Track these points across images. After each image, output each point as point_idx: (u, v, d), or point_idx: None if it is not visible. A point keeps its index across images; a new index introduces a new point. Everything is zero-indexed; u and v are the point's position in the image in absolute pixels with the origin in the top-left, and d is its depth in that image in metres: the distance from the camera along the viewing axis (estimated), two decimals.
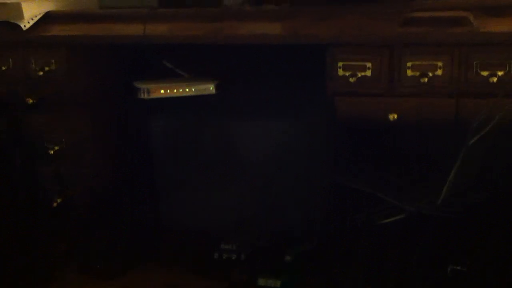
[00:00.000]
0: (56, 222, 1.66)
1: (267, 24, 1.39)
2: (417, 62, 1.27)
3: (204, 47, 1.49)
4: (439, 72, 1.26)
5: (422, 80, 1.26)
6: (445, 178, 1.30)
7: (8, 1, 1.53)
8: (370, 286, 1.38)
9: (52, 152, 1.59)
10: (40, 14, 1.52)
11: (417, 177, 1.40)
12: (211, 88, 1.45)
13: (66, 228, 1.65)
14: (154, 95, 1.44)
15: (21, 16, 1.50)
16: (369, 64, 1.29)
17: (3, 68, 1.56)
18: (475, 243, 1.32)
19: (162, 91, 1.44)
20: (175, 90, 1.43)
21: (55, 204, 1.62)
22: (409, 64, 1.27)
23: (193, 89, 1.44)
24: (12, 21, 1.51)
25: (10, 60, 1.57)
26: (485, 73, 1.22)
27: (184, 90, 1.44)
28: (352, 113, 1.34)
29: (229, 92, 1.50)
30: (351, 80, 1.30)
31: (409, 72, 1.27)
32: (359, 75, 1.30)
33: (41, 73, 1.53)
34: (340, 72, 1.31)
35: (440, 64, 1.25)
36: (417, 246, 1.38)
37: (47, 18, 1.54)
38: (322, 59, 1.33)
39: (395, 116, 1.30)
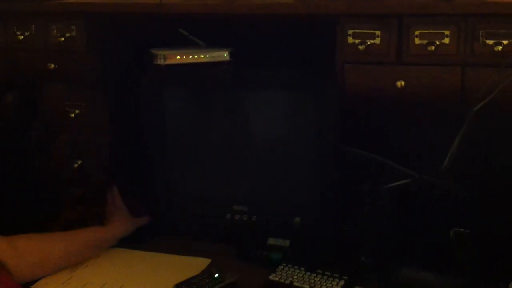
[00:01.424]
0: (73, 189, 1.75)
1: None
2: (424, 31, 1.30)
3: (217, 17, 1.53)
4: (446, 40, 1.29)
5: (429, 49, 1.29)
6: (449, 145, 1.35)
7: None
8: (374, 249, 1.44)
9: (72, 115, 1.66)
10: None
11: (422, 145, 1.45)
12: (225, 55, 1.50)
13: (83, 194, 1.73)
14: (170, 61, 1.48)
15: None
16: (378, 32, 1.33)
17: (26, 34, 1.62)
18: (477, 208, 1.37)
19: (178, 57, 1.48)
20: (191, 57, 1.48)
21: (75, 166, 1.70)
22: (417, 32, 1.30)
23: (208, 56, 1.49)
24: None
25: (32, 27, 1.62)
26: (490, 42, 1.25)
27: (199, 57, 1.49)
28: (361, 81, 1.37)
29: (240, 63, 1.54)
30: (361, 47, 1.33)
31: (417, 41, 1.31)
32: (368, 42, 1.33)
33: (62, 39, 1.58)
34: (350, 40, 1.35)
35: (447, 33, 1.28)
36: (420, 211, 1.43)
37: None
38: (332, 33, 1.37)
39: (403, 83, 1.33)
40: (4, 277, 1.09)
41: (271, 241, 1.52)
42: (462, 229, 1.35)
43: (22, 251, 1.36)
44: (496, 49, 1.25)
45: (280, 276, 1.39)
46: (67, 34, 1.59)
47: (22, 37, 1.63)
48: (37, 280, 1.40)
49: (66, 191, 1.73)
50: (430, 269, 1.33)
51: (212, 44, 1.57)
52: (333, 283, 1.35)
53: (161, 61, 1.49)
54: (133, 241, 1.60)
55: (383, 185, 1.46)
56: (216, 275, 1.38)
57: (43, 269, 1.42)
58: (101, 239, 1.55)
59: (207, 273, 1.41)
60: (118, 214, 1.62)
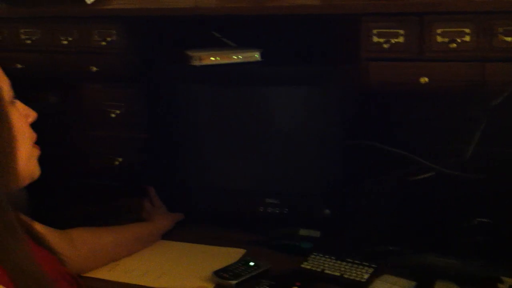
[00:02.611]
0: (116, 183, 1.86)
1: None
2: (446, 29, 1.36)
3: (247, 19, 1.61)
4: (466, 38, 1.34)
5: (451, 46, 1.36)
6: (471, 138, 1.42)
7: None
8: (401, 238, 1.51)
9: (113, 115, 1.76)
10: None
11: (444, 138, 1.51)
12: (256, 56, 1.59)
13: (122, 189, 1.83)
14: (205, 62, 1.57)
15: None
16: (401, 31, 1.39)
17: (70, 39, 1.72)
18: (498, 199, 1.43)
19: (212, 58, 1.57)
20: (225, 57, 1.57)
21: (116, 163, 1.80)
22: (438, 31, 1.36)
23: (240, 56, 1.58)
24: None
25: (75, 32, 1.73)
26: (509, 39, 1.31)
27: (231, 57, 1.57)
28: (385, 77, 1.44)
29: (268, 62, 1.62)
30: (385, 46, 1.40)
31: (439, 38, 1.36)
32: (392, 41, 1.40)
33: (103, 42, 1.68)
34: (375, 39, 1.41)
35: (467, 31, 1.34)
36: (444, 202, 1.49)
37: None
38: (352, 30, 1.44)
39: (426, 80, 1.40)
40: (60, 267, 1.17)
41: (302, 232, 1.59)
42: (484, 219, 1.41)
43: (76, 243, 1.43)
44: None
45: (311, 264, 1.46)
46: (108, 38, 1.68)
47: (65, 41, 1.73)
48: None
49: (106, 187, 1.84)
50: (454, 256, 1.39)
51: (239, 42, 1.65)
52: (362, 271, 1.42)
53: (197, 62, 1.58)
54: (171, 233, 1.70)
55: (407, 178, 1.52)
56: (252, 263, 1.46)
57: (95, 261, 1.49)
58: (148, 234, 1.63)
59: (243, 261, 1.49)
60: (158, 211, 1.71)
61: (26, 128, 1.05)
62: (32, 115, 1.07)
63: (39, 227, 1.19)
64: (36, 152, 1.07)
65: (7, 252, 0.94)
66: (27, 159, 1.03)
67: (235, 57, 1.58)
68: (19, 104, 1.05)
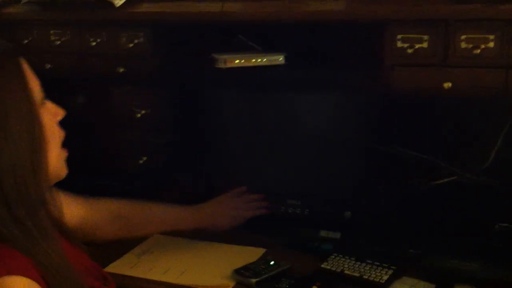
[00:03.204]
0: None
1: (331, 2, 1.54)
2: (470, 36, 1.37)
3: (273, 23, 1.64)
4: (490, 44, 1.35)
5: (474, 52, 1.37)
6: (493, 145, 1.43)
7: None
8: (421, 242, 1.52)
9: (139, 115, 1.80)
10: None
11: (466, 144, 1.52)
12: (280, 59, 1.61)
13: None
14: (230, 65, 1.60)
15: None
16: (425, 37, 1.40)
17: (98, 41, 1.76)
18: None
19: (237, 61, 1.60)
20: (249, 60, 1.60)
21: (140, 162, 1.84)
22: (462, 37, 1.37)
23: (264, 60, 1.60)
24: None
25: (104, 34, 1.77)
26: None
27: (256, 61, 1.60)
28: (409, 82, 1.45)
29: (293, 66, 1.65)
30: (409, 51, 1.41)
31: (463, 45, 1.37)
32: (416, 46, 1.41)
33: (131, 45, 1.72)
34: (399, 44, 1.43)
35: (491, 37, 1.35)
36: (464, 207, 1.50)
37: None
38: (377, 36, 1.45)
39: (450, 85, 1.41)
40: (88, 262, 1.20)
41: (323, 233, 1.62)
42: (506, 224, 1.42)
43: (101, 207, 1.51)
44: None
45: (331, 265, 1.48)
46: (135, 41, 1.72)
47: (94, 43, 1.77)
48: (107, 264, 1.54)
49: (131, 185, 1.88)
50: (474, 260, 1.40)
51: (265, 45, 1.68)
52: (382, 272, 1.43)
53: (222, 65, 1.61)
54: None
55: (430, 183, 1.54)
56: (272, 262, 1.49)
57: (121, 229, 1.54)
58: (185, 218, 1.64)
59: (263, 260, 1.51)
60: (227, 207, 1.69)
61: (56, 128, 1.08)
62: (60, 113, 1.10)
63: (65, 198, 1.23)
64: (64, 152, 1.10)
65: (39, 250, 0.97)
66: (56, 158, 1.06)
67: (260, 60, 1.61)
68: (49, 104, 1.08)
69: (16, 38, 1.87)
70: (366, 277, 1.42)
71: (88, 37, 1.78)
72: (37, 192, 0.98)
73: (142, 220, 1.59)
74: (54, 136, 1.06)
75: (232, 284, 1.44)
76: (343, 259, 1.50)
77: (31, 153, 0.97)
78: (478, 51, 1.36)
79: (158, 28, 1.72)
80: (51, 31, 1.83)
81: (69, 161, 1.12)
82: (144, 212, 1.59)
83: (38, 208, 0.99)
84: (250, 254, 1.57)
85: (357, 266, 1.46)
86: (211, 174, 1.78)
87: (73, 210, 1.41)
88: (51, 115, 1.06)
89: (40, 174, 0.99)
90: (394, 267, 1.44)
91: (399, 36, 1.43)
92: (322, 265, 1.48)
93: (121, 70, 1.75)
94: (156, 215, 1.61)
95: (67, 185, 1.18)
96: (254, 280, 1.42)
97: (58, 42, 1.83)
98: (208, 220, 1.65)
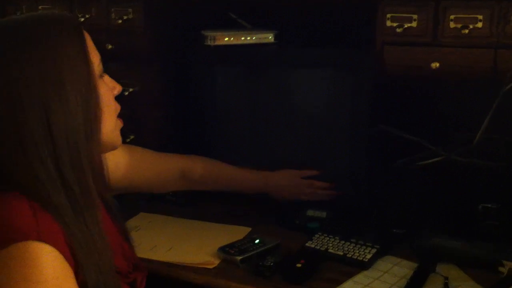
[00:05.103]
0: None
1: None
2: (459, 16, 1.37)
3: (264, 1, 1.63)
4: (479, 24, 1.35)
5: (463, 32, 1.37)
6: (480, 123, 1.43)
7: None
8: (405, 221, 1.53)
9: (126, 93, 1.78)
10: None
11: (454, 124, 1.52)
12: (270, 37, 1.61)
13: None
14: (219, 42, 1.60)
15: None
16: (415, 16, 1.40)
17: (87, 16, 1.74)
18: (506, 184, 1.44)
19: (226, 38, 1.60)
20: (239, 38, 1.59)
21: (128, 140, 1.83)
22: (452, 16, 1.37)
23: (254, 38, 1.60)
24: None
25: (93, 10, 1.75)
26: None
27: (246, 38, 1.60)
28: (398, 61, 1.45)
29: (284, 44, 1.64)
30: (398, 30, 1.42)
31: (452, 24, 1.38)
32: (406, 26, 1.41)
33: (120, 21, 1.71)
34: (388, 23, 1.43)
35: (480, 17, 1.35)
36: (450, 187, 1.51)
37: None
38: (370, 14, 1.45)
39: (437, 65, 1.41)
40: (121, 240, 1.19)
41: (310, 212, 1.62)
42: (489, 205, 1.43)
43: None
44: None
45: (316, 244, 1.48)
46: (125, 17, 1.71)
47: (83, 19, 1.76)
48: None
49: None
50: (457, 239, 1.40)
51: (256, 24, 1.67)
52: (365, 251, 1.44)
53: (211, 42, 1.60)
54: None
55: (416, 163, 1.54)
56: (257, 240, 1.49)
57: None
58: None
59: (248, 238, 1.52)
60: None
61: (112, 101, 1.08)
62: (117, 88, 1.10)
63: None
64: (120, 124, 1.11)
65: (77, 219, 0.96)
66: (111, 129, 1.07)
67: (249, 38, 1.60)
68: (107, 78, 1.08)
69: (5, 14, 1.85)
70: (350, 255, 1.42)
71: (76, 13, 1.77)
72: (89, 159, 0.99)
73: (212, 178, 1.59)
74: (109, 108, 1.06)
75: (217, 261, 1.45)
76: (328, 238, 1.50)
77: (86, 120, 0.98)
78: (467, 31, 1.36)
79: (148, 4, 1.71)
80: (40, 7, 1.82)
81: None
82: (214, 170, 1.60)
83: (87, 174, 0.99)
84: (236, 233, 1.58)
85: (341, 245, 1.47)
86: (200, 151, 1.77)
87: (147, 164, 1.49)
88: (108, 88, 1.07)
89: (92, 141, 0.99)
90: (377, 246, 1.45)
91: (388, 15, 1.43)
92: (307, 244, 1.49)
93: (110, 46, 1.74)
94: (225, 174, 1.61)
95: None
96: (239, 258, 1.42)
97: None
98: (271, 188, 1.64)
